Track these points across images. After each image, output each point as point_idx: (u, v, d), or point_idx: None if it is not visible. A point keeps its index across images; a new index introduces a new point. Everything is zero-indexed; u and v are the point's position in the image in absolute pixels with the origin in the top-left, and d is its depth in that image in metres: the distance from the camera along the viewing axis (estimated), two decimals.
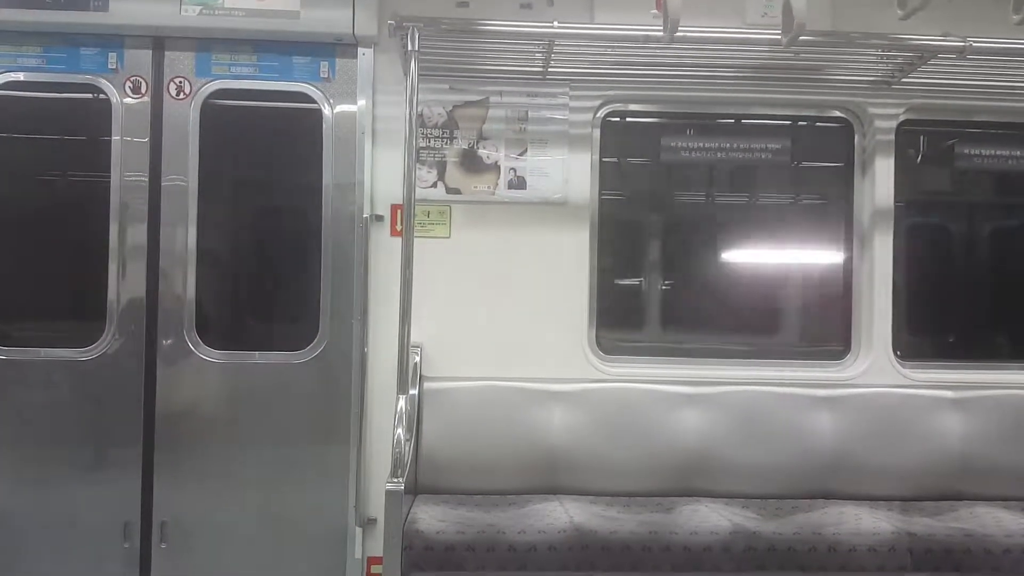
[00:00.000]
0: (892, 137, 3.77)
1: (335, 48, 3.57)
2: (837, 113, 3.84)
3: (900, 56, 3.44)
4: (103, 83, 3.53)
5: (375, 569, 3.51)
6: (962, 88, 3.65)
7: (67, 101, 3.61)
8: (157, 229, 3.53)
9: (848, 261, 3.85)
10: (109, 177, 3.52)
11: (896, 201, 3.78)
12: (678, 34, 3.01)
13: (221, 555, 3.51)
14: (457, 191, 3.68)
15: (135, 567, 3.50)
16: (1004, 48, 3.29)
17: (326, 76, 3.58)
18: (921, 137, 3.92)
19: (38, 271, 3.61)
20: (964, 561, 2.99)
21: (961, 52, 3.27)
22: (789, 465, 3.53)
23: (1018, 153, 3.88)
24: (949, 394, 3.67)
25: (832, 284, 3.90)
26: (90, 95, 3.56)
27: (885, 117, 3.76)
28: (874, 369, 3.72)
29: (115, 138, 3.53)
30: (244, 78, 3.58)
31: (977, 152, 3.88)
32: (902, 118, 3.79)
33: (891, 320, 3.75)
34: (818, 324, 3.99)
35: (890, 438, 3.57)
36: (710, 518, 3.11)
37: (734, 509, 3.27)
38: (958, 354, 3.92)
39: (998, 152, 3.87)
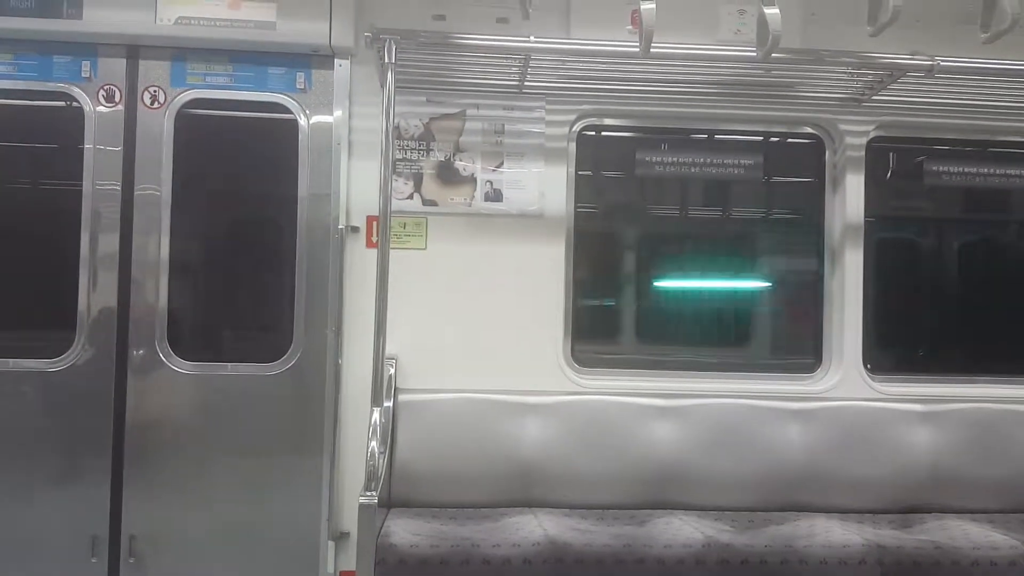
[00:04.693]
0: (862, 153, 3.84)
1: (311, 59, 3.56)
2: (808, 129, 3.91)
3: (870, 74, 3.49)
4: (76, 91, 3.50)
5: None
6: (930, 106, 3.72)
7: (39, 109, 3.56)
8: (129, 239, 3.49)
9: (819, 275, 3.91)
10: (81, 186, 3.48)
11: (866, 216, 3.84)
12: (653, 50, 3.04)
13: (191, 569, 3.45)
14: (433, 203, 3.68)
15: None
16: (971, 67, 3.36)
17: (302, 87, 3.57)
18: (891, 154, 3.99)
19: (7, 280, 3.55)
20: (933, 573, 3.02)
21: (929, 71, 3.33)
22: (761, 478, 3.55)
23: (985, 170, 3.96)
24: (918, 407, 3.72)
25: (803, 298, 3.95)
26: (63, 103, 3.52)
27: (855, 134, 3.83)
28: (845, 382, 3.77)
29: (87, 146, 3.49)
30: (219, 88, 3.56)
31: (945, 169, 3.95)
32: (872, 135, 3.86)
33: (861, 334, 3.80)
34: (790, 338, 4.04)
35: (861, 451, 3.61)
36: (683, 531, 3.13)
37: (707, 522, 3.28)
38: (927, 368, 3.97)
39: (966, 169, 3.95)
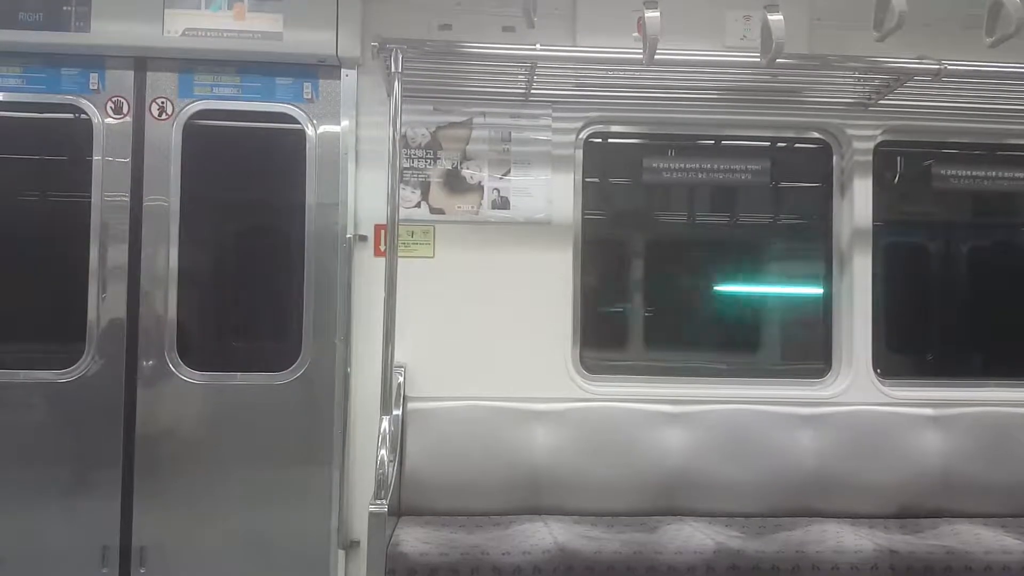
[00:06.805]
0: (870, 158, 3.83)
1: (318, 69, 3.58)
2: (815, 134, 3.90)
3: (877, 79, 3.50)
4: (84, 103, 3.51)
5: None
6: (938, 110, 3.71)
7: (47, 121, 3.58)
8: (138, 250, 3.51)
9: (828, 280, 3.90)
10: (90, 197, 3.49)
11: (874, 221, 3.83)
12: (658, 57, 3.05)
13: None
14: (441, 211, 3.69)
15: None
16: (978, 71, 3.36)
17: (309, 97, 3.59)
18: (898, 158, 3.98)
19: (17, 292, 3.56)
20: None
21: (936, 75, 3.33)
22: (772, 483, 3.54)
23: (993, 173, 3.95)
24: (929, 411, 3.70)
25: (812, 303, 3.94)
26: (71, 115, 3.53)
27: (862, 138, 3.82)
28: (855, 387, 3.76)
29: (96, 158, 3.51)
30: (227, 99, 3.57)
31: (953, 173, 3.94)
32: (879, 139, 3.85)
33: (871, 339, 3.79)
34: (799, 343, 4.03)
35: (871, 456, 3.60)
36: (694, 537, 3.12)
37: (718, 528, 3.27)
38: (937, 372, 3.97)
39: (973, 173, 3.94)
